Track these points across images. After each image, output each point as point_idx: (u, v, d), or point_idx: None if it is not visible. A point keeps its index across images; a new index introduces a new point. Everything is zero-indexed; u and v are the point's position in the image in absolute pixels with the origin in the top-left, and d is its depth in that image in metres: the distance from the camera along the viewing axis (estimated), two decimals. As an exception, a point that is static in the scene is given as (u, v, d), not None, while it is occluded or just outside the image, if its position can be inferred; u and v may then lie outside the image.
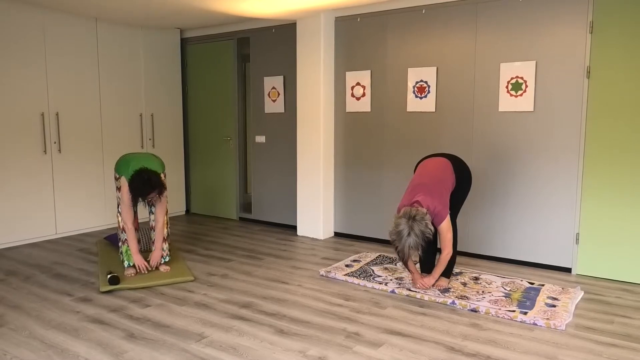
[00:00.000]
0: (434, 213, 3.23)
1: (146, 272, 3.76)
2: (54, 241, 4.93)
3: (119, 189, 3.80)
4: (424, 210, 3.19)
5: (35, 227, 4.88)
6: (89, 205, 5.31)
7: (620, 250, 3.72)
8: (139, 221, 5.32)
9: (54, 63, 4.91)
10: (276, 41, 5.41)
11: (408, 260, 3.26)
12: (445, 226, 3.27)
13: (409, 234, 3.12)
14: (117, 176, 3.81)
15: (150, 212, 3.90)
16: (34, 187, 4.84)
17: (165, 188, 3.67)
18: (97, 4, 4.53)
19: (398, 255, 3.24)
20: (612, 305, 3.27)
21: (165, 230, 3.92)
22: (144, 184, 3.54)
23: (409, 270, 3.46)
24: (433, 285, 3.54)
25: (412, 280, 3.52)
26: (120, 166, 3.77)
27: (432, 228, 3.17)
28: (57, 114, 4.96)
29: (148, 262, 3.84)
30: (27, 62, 4.71)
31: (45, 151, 4.89)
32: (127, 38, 5.54)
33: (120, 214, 3.82)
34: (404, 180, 4.65)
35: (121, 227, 3.82)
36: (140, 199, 3.62)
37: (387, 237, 4.84)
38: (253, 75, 5.67)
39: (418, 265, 3.84)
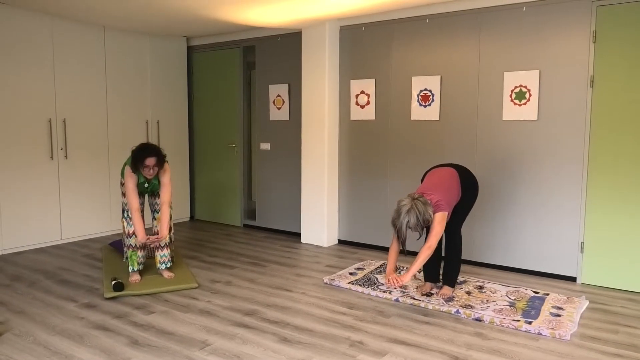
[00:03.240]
0: (435, 204, 3.26)
1: (155, 243, 3.74)
2: (59, 246, 4.95)
3: (124, 194, 3.83)
4: (428, 200, 3.24)
5: (41, 232, 4.91)
6: (94, 211, 5.34)
7: (625, 260, 3.70)
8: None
9: (62, 70, 4.96)
10: (281, 49, 5.45)
11: (405, 240, 3.24)
12: (439, 217, 3.25)
13: (408, 211, 3.15)
14: (123, 181, 3.83)
15: (153, 219, 3.91)
16: (40, 192, 4.87)
17: (166, 158, 3.74)
18: (105, 12, 4.58)
19: (397, 235, 3.24)
20: (617, 315, 3.26)
21: (169, 236, 3.93)
22: (144, 149, 3.63)
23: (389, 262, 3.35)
24: (438, 295, 3.54)
25: (386, 273, 3.34)
26: (124, 166, 3.82)
27: (432, 214, 3.20)
28: (64, 121, 5.00)
29: (153, 258, 3.88)
30: (35, 69, 4.76)
31: (52, 157, 4.93)
32: (134, 46, 5.59)
33: (124, 220, 3.84)
34: (408, 188, 4.65)
35: (126, 232, 3.84)
36: (142, 173, 3.66)
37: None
38: (258, 83, 5.71)
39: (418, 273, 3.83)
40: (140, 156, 3.60)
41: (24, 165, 4.74)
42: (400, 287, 3.23)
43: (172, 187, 6.08)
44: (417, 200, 3.19)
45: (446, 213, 3.28)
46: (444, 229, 3.30)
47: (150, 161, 3.62)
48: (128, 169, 3.69)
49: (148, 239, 3.68)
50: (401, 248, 3.31)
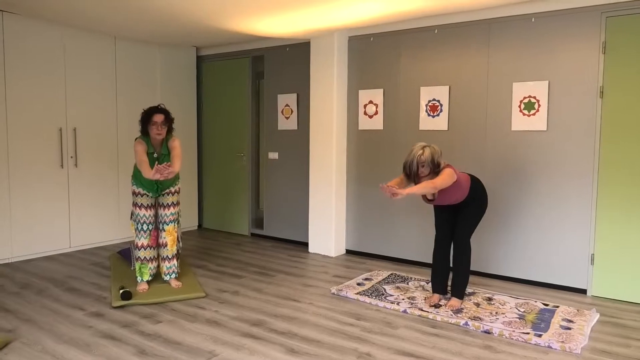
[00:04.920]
0: (446, 165, 3.35)
1: (165, 173, 3.43)
2: (68, 254, 4.97)
3: (134, 204, 3.84)
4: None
5: (50, 240, 4.94)
6: (103, 219, 5.36)
7: (637, 272, 3.65)
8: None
9: (73, 79, 5.02)
10: (290, 59, 5.47)
11: (416, 175, 3.29)
12: (448, 171, 3.29)
13: (424, 147, 3.30)
14: (133, 189, 3.84)
15: (162, 230, 3.90)
16: (50, 200, 4.90)
17: (174, 125, 3.82)
18: (115, 23, 4.63)
19: (407, 171, 3.31)
20: (628, 328, 3.21)
21: (175, 246, 3.94)
22: (152, 107, 3.72)
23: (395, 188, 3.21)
24: (447, 306, 3.51)
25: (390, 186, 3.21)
26: (134, 169, 3.86)
27: (443, 163, 3.32)
28: (74, 129, 5.04)
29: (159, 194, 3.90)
30: (46, 78, 4.81)
31: (62, 165, 4.97)
32: (144, 55, 5.65)
33: (136, 232, 3.83)
34: (416, 198, 4.63)
35: (136, 244, 3.85)
36: (151, 133, 3.67)
37: (399, 255, 4.82)
38: (267, 93, 5.73)
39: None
40: (148, 113, 3.68)
41: (35, 173, 4.78)
42: (394, 196, 3.14)
43: (181, 199, 6.10)
44: (433, 144, 3.36)
45: (455, 175, 3.31)
46: (449, 183, 3.28)
47: (159, 117, 3.66)
48: (137, 140, 3.72)
49: (157, 170, 3.42)
50: (411, 182, 3.37)
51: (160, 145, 3.78)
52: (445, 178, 3.26)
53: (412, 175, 3.32)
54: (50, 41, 4.82)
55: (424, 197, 3.49)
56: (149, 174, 3.46)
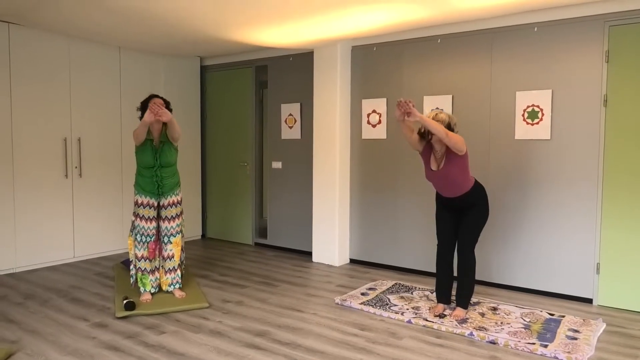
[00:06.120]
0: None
1: (159, 111, 3.50)
2: (72, 264, 4.98)
3: (136, 215, 3.84)
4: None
5: (54, 250, 4.95)
6: (107, 229, 5.37)
7: (643, 282, 3.63)
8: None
9: (78, 90, 5.05)
10: (293, 69, 5.50)
11: (430, 134, 3.38)
12: (459, 136, 3.34)
13: (441, 111, 3.45)
14: (136, 199, 3.84)
15: (168, 242, 3.89)
16: (54, 210, 4.92)
17: (171, 110, 3.88)
18: (120, 34, 4.67)
19: (423, 129, 3.41)
20: (635, 338, 3.18)
21: (179, 258, 3.93)
22: (151, 95, 3.87)
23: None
24: (451, 316, 3.49)
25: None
26: (136, 176, 3.88)
27: (455, 130, 3.40)
28: (79, 139, 5.07)
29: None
30: (52, 88, 4.85)
31: (66, 175, 4.99)
32: (149, 65, 5.68)
33: (135, 242, 3.83)
34: (420, 208, 4.63)
35: (135, 254, 3.84)
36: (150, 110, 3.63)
37: (403, 265, 4.80)
38: (270, 102, 5.75)
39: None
40: (148, 98, 3.82)
41: (39, 183, 4.80)
42: (408, 115, 3.26)
43: (184, 206, 6.10)
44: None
45: (465, 145, 3.33)
46: (459, 144, 3.28)
47: (158, 100, 3.75)
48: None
49: (150, 109, 3.49)
50: (424, 141, 3.48)
51: (159, 133, 3.79)
52: (456, 137, 3.29)
53: (426, 132, 3.41)
54: (56, 52, 4.86)
55: (428, 167, 3.48)
56: (143, 123, 3.56)
